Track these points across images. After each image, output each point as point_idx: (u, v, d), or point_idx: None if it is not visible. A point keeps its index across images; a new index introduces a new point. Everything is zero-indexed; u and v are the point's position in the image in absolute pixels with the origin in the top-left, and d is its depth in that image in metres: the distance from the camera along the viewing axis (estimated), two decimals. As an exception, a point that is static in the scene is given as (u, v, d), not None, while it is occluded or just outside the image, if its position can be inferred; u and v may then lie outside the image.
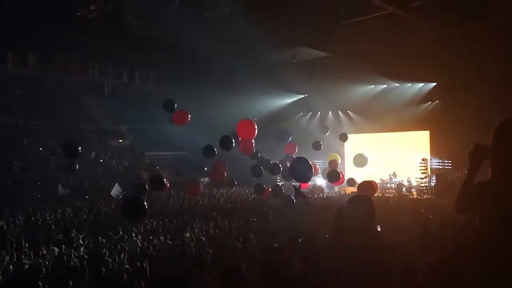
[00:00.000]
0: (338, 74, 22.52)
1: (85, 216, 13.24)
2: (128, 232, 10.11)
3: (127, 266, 7.27)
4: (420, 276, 3.43)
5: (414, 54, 19.48)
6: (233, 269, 2.89)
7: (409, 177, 22.95)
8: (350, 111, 26.47)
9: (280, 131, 16.15)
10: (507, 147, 2.09)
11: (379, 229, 3.05)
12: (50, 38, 20.19)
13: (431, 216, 8.52)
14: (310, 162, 11.03)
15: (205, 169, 16.19)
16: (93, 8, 18.98)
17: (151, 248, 8.75)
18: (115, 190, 14.53)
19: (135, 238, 9.36)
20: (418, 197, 19.61)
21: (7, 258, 7.61)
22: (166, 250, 8.64)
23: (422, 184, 20.87)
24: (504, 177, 2.07)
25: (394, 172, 23.24)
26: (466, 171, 2.29)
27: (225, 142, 13.60)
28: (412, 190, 20.90)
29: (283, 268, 3.25)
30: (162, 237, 9.67)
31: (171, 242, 9.09)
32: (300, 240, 3.30)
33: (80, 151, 11.17)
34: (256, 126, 13.36)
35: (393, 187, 22.59)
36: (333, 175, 15.10)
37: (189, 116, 14.42)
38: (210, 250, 8.01)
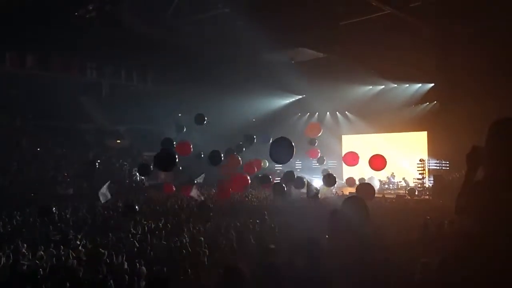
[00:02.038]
0: (336, 75, 22.54)
1: (81, 215, 13.22)
2: (126, 232, 10.11)
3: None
4: (418, 276, 3.44)
5: (412, 55, 19.51)
6: (232, 268, 2.89)
7: (404, 177, 22.99)
8: (348, 111, 26.50)
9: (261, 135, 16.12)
10: (500, 146, 2.10)
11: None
12: (48, 38, 20.15)
13: (428, 217, 8.53)
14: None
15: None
16: (91, 8, 18.95)
17: (149, 248, 8.74)
18: (104, 192, 14.38)
19: (132, 239, 9.35)
20: (416, 198, 19.63)
21: (4, 259, 7.59)
22: (163, 250, 8.64)
23: (420, 185, 20.91)
24: (497, 176, 2.08)
25: (393, 173, 23.26)
26: (464, 172, 2.30)
27: (213, 158, 13.71)
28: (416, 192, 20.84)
29: (282, 269, 3.25)
30: (160, 238, 9.66)
31: (166, 243, 9.10)
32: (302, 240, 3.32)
33: (54, 212, 11.42)
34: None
35: (391, 187, 22.66)
36: (329, 180, 14.91)
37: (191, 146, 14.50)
38: (207, 250, 8.02)
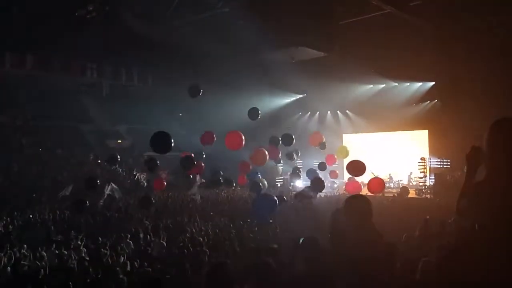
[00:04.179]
0: (336, 74, 22.52)
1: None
2: (127, 233, 10.12)
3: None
4: (419, 275, 3.43)
5: (413, 54, 19.48)
6: (218, 265, 2.88)
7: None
8: (348, 110, 26.49)
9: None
10: (501, 146, 2.09)
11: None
12: (49, 38, 20.16)
13: (428, 217, 8.50)
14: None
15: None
16: (91, 8, 18.94)
17: (150, 248, 8.75)
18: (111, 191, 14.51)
19: (128, 241, 9.35)
20: (417, 197, 19.63)
21: (5, 259, 7.59)
22: (164, 251, 8.64)
23: (421, 183, 20.91)
24: (498, 176, 2.07)
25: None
26: (465, 170, 2.29)
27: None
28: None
29: (282, 270, 3.24)
30: (161, 238, 9.66)
31: (166, 243, 9.10)
32: (302, 239, 3.29)
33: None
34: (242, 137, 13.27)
35: (392, 186, 22.64)
36: (316, 184, 14.29)
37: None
38: (208, 250, 8.01)
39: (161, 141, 9.30)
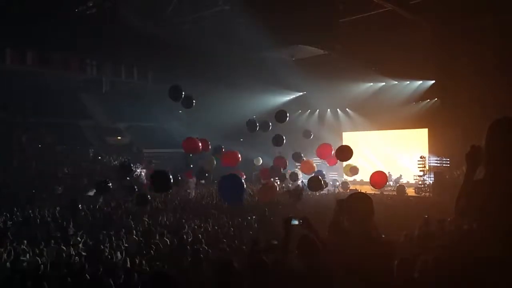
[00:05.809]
0: (336, 72, 22.50)
1: (83, 213, 13.23)
2: (127, 229, 10.14)
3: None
4: (417, 273, 3.44)
5: (413, 52, 19.45)
6: (226, 265, 2.89)
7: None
8: (348, 108, 26.48)
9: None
10: (499, 146, 2.09)
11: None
12: (49, 35, 20.15)
13: (426, 216, 8.51)
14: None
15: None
16: (90, 4, 18.93)
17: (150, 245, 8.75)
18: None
19: (135, 237, 9.38)
20: (416, 195, 19.64)
21: (5, 255, 7.61)
22: (165, 248, 8.66)
23: (420, 182, 20.91)
24: (497, 175, 2.08)
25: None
26: (464, 169, 2.29)
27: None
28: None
29: (279, 263, 3.25)
30: (161, 235, 9.67)
31: (167, 240, 9.12)
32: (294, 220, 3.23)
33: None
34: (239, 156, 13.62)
35: (391, 185, 22.62)
36: (315, 183, 14.39)
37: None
38: (206, 247, 8.03)
39: (161, 182, 9.50)
